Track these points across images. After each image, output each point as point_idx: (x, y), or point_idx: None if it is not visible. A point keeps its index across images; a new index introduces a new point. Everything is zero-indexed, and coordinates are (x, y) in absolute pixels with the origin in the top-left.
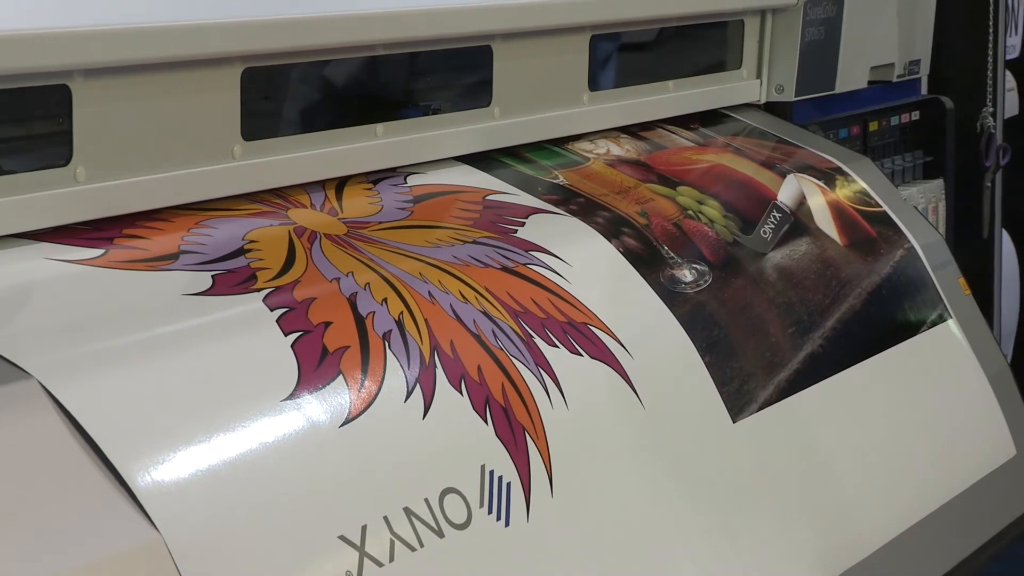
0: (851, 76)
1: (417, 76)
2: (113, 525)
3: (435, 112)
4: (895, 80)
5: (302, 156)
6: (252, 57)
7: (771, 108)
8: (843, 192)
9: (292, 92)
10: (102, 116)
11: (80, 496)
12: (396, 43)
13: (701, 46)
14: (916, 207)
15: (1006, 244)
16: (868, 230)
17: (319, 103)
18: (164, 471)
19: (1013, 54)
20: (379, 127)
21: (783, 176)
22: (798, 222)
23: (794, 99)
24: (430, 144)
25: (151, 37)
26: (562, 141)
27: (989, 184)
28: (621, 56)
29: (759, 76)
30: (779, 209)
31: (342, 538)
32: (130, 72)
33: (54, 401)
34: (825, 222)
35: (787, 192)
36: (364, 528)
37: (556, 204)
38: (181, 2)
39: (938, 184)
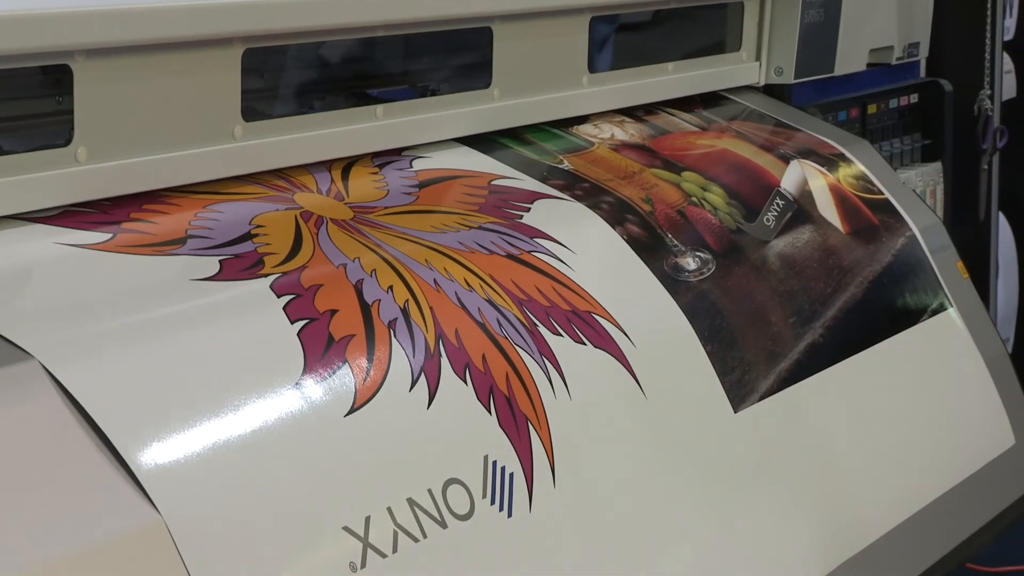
0: (850, 58)
1: (417, 57)
2: (115, 507)
3: (435, 93)
4: (894, 63)
5: (302, 137)
6: (253, 38)
7: (770, 90)
8: (846, 179)
9: (292, 73)
10: (103, 97)
11: (81, 478)
12: (396, 24)
13: (700, 28)
14: (914, 190)
15: (1003, 227)
16: (870, 217)
17: (319, 84)
18: (166, 454)
19: (1008, 36)
20: (379, 108)
21: (786, 162)
22: (801, 209)
23: (793, 81)
24: (430, 125)
25: (152, 17)
26: (566, 125)
27: (986, 167)
28: (621, 38)
29: (758, 58)
30: (782, 196)
31: (346, 529)
32: (131, 52)
33: (55, 382)
34: (828, 209)
35: (790, 179)
36: (368, 519)
37: (561, 189)
38: None
39: (936, 167)
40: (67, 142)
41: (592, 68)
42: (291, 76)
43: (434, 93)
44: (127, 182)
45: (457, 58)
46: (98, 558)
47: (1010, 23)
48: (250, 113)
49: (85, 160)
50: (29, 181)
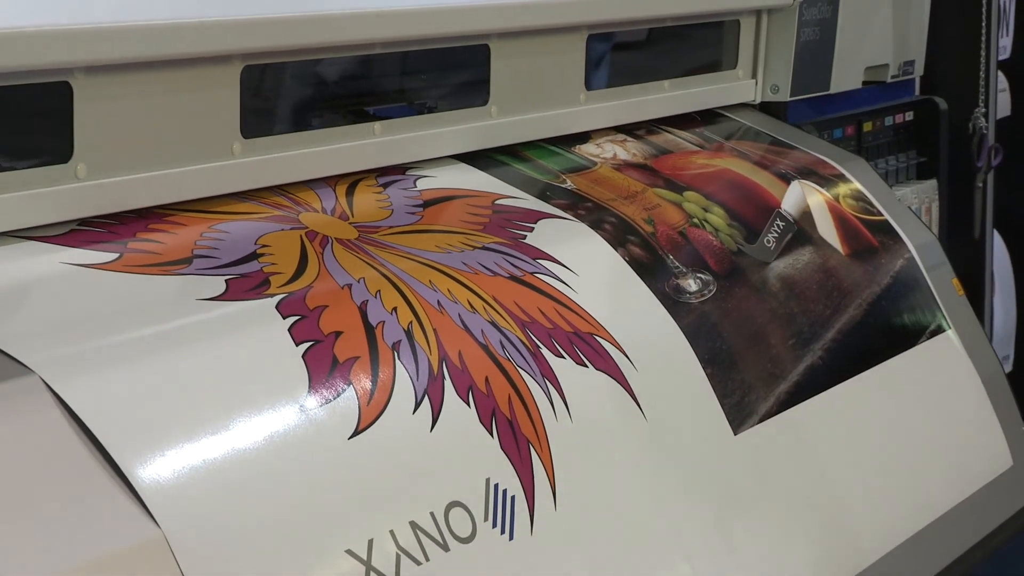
0: (846, 76)
1: (415, 75)
2: (115, 522)
3: (432, 111)
4: (889, 81)
5: (301, 154)
6: (252, 55)
7: (766, 108)
8: (845, 200)
9: (291, 90)
10: (103, 113)
11: (82, 493)
12: (394, 42)
13: (697, 46)
14: (910, 207)
15: (997, 244)
16: (870, 239)
17: (318, 101)
18: (168, 470)
19: (1004, 55)
20: (377, 125)
21: (787, 182)
22: (801, 231)
23: (789, 99)
24: (428, 142)
25: (152, 34)
26: (566, 143)
27: (981, 184)
28: (618, 56)
29: (754, 76)
30: (783, 218)
31: (349, 552)
32: (131, 69)
33: (56, 398)
34: (828, 231)
35: (791, 200)
36: (371, 542)
37: (564, 209)
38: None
39: (931, 184)
40: (67, 158)
41: (589, 85)
42: (290, 93)
43: (432, 110)
44: (126, 198)
45: (455, 75)
46: (98, 572)
47: (1006, 42)
48: (249, 130)
49: (85, 176)
50: (29, 197)
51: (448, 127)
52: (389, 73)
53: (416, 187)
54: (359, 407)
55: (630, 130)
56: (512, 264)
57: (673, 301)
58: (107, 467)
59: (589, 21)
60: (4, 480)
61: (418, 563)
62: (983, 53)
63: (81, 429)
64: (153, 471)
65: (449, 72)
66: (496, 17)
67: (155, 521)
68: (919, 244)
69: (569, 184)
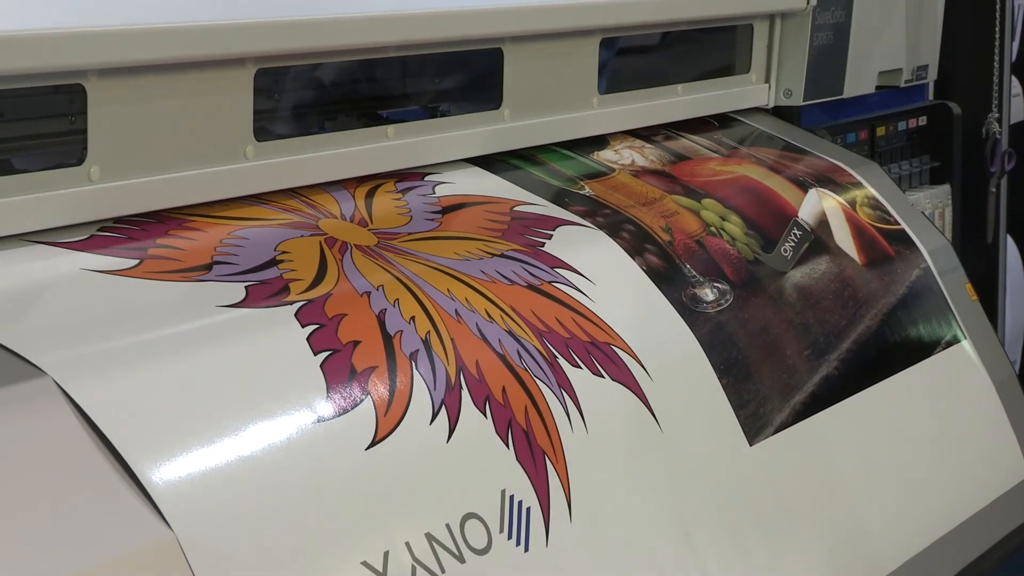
0: (859, 81)
1: (428, 78)
2: (126, 523)
3: (445, 114)
4: (903, 85)
5: (313, 157)
6: (265, 58)
7: (779, 112)
8: (862, 208)
9: (304, 93)
10: (116, 116)
11: (93, 494)
12: (407, 45)
13: (710, 50)
14: (923, 212)
15: (1011, 249)
16: (886, 248)
17: (330, 104)
18: (180, 472)
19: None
20: (390, 128)
21: (804, 190)
22: (818, 240)
23: (802, 103)
24: (440, 146)
25: (165, 37)
26: (587, 151)
27: (994, 189)
28: (630, 60)
29: (767, 80)
30: (800, 227)
31: (365, 564)
32: (144, 72)
33: (69, 399)
34: (844, 240)
35: (808, 208)
36: (387, 554)
37: (583, 215)
38: (195, 3)
39: (945, 189)
40: (80, 161)
41: (602, 89)
42: (303, 96)
43: (445, 114)
44: (140, 201)
45: (468, 79)
46: (110, 574)
47: (1014, 45)
48: (262, 133)
49: (98, 179)
50: (43, 199)
51: (461, 130)
52: (402, 76)
53: (435, 193)
54: (376, 418)
55: (648, 136)
56: (530, 273)
57: (690, 311)
58: (119, 469)
59: (602, 25)
60: (16, 481)
61: (434, 575)
62: (997, 58)
63: (94, 431)
64: (165, 474)
65: (462, 76)
66: (510, 21)
67: (167, 523)
68: (932, 249)
69: (587, 190)
